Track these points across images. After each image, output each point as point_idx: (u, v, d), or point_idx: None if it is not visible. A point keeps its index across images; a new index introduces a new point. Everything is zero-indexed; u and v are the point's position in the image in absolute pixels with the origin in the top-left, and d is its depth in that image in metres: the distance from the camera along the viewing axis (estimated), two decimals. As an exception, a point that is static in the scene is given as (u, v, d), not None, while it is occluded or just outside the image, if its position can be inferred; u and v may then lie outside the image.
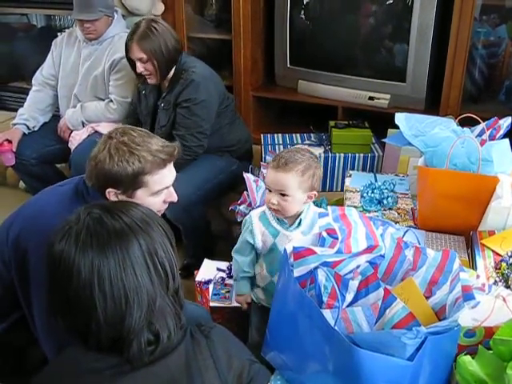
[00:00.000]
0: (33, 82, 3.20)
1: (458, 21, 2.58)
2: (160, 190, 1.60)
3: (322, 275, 1.32)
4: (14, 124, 3.11)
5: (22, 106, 3.18)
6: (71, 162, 2.89)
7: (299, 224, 1.73)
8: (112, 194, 1.57)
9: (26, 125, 3.09)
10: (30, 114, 3.12)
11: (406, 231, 1.57)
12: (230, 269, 2.39)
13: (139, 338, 1.04)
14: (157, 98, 2.73)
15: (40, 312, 1.53)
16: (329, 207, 1.57)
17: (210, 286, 2.30)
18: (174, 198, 1.68)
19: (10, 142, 3.01)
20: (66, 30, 3.15)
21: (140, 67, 2.55)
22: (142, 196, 1.57)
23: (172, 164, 1.64)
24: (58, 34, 3.37)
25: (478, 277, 1.54)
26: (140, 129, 1.65)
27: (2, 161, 3.13)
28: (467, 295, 1.26)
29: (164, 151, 1.58)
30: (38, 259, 1.20)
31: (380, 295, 1.31)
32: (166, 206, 1.69)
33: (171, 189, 1.66)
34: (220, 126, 2.73)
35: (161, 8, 3.23)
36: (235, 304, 2.22)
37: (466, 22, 2.57)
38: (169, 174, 1.63)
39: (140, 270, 1.04)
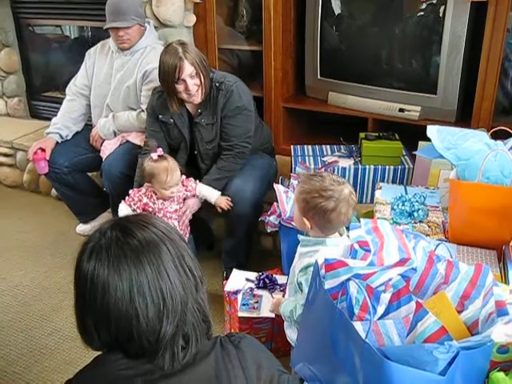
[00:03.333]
0: (66, 91, 3.26)
1: (491, 32, 2.56)
2: None
3: (353, 287, 1.31)
4: (48, 133, 3.18)
5: (56, 116, 3.24)
6: (103, 170, 2.93)
7: None
8: None
9: (59, 134, 3.15)
10: (64, 123, 3.18)
11: (438, 245, 1.56)
12: (258, 279, 2.40)
13: (173, 343, 1.05)
14: (188, 119, 2.71)
15: None
16: (361, 219, 1.56)
17: (239, 296, 2.30)
18: None
19: (43, 150, 3.08)
20: (100, 42, 3.20)
21: (191, 84, 2.50)
22: None
23: None
24: (91, 44, 3.43)
25: (511, 292, 1.52)
26: None
27: (36, 169, 3.20)
28: (501, 310, 1.24)
29: None
30: None
31: (412, 308, 1.30)
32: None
33: None
34: (256, 126, 2.77)
35: (192, 19, 3.25)
36: (263, 314, 2.23)
37: (499, 34, 2.54)
38: None
39: (172, 274, 1.06)
